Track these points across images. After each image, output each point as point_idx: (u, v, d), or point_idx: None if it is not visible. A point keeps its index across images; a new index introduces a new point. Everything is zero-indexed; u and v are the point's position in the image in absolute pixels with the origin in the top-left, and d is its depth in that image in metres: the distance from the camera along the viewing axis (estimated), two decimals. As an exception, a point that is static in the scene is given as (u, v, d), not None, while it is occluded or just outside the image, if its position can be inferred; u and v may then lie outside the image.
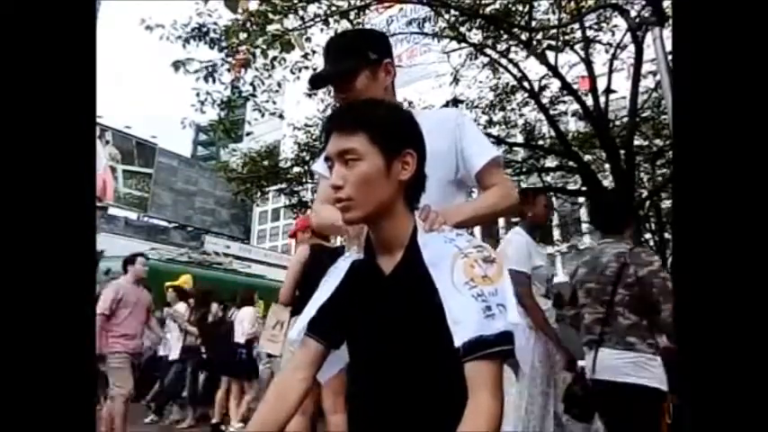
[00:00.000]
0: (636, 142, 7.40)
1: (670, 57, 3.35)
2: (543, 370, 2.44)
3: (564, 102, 8.28)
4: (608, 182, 7.17)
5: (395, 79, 1.37)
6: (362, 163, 0.90)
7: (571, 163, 7.79)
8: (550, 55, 7.04)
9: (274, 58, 6.25)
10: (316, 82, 1.40)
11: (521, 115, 8.74)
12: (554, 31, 6.91)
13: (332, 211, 0.98)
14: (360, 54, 1.29)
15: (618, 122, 8.20)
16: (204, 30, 6.12)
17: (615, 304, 2.10)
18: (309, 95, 7.89)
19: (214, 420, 5.25)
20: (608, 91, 6.88)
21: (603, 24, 7.24)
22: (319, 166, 1.33)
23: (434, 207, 1.04)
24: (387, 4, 7.59)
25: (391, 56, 1.37)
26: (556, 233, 14.90)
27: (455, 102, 8.08)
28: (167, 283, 6.25)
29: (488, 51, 7.50)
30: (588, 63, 7.19)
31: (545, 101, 7.82)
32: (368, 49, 1.31)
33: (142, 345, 4.60)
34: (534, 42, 6.87)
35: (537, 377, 2.40)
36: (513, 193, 1.32)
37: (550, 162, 9.27)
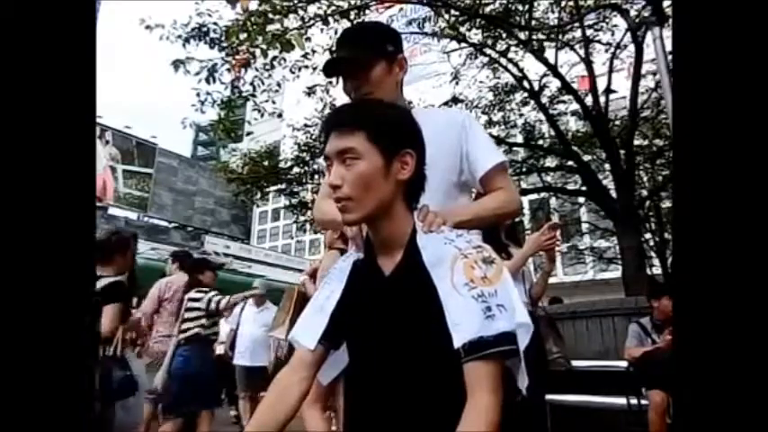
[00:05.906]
0: (636, 142, 7.40)
1: (670, 57, 3.35)
2: None
3: (564, 101, 8.28)
4: (608, 182, 7.17)
5: (404, 76, 1.34)
6: (361, 162, 0.90)
7: (571, 163, 7.79)
8: (550, 55, 7.05)
9: (274, 58, 6.25)
10: (330, 68, 1.30)
11: (520, 115, 8.75)
12: (554, 30, 6.91)
13: (333, 206, 0.97)
14: (378, 45, 1.26)
15: (618, 122, 8.20)
16: (204, 30, 6.14)
17: None
18: (309, 94, 7.89)
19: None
20: (608, 91, 6.89)
21: (603, 24, 7.25)
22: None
23: (437, 208, 1.03)
24: (387, 4, 7.58)
25: (403, 52, 1.34)
26: (556, 233, 14.88)
27: (455, 101, 8.09)
28: None
29: (488, 51, 7.51)
30: (588, 63, 7.20)
31: (545, 100, 7.82)
32: (386, 41, 1.28)
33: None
34: (534, 42, 6.88)
35: None
36: (516, 197, 1.31)
37: (550, 162, 9.27)
